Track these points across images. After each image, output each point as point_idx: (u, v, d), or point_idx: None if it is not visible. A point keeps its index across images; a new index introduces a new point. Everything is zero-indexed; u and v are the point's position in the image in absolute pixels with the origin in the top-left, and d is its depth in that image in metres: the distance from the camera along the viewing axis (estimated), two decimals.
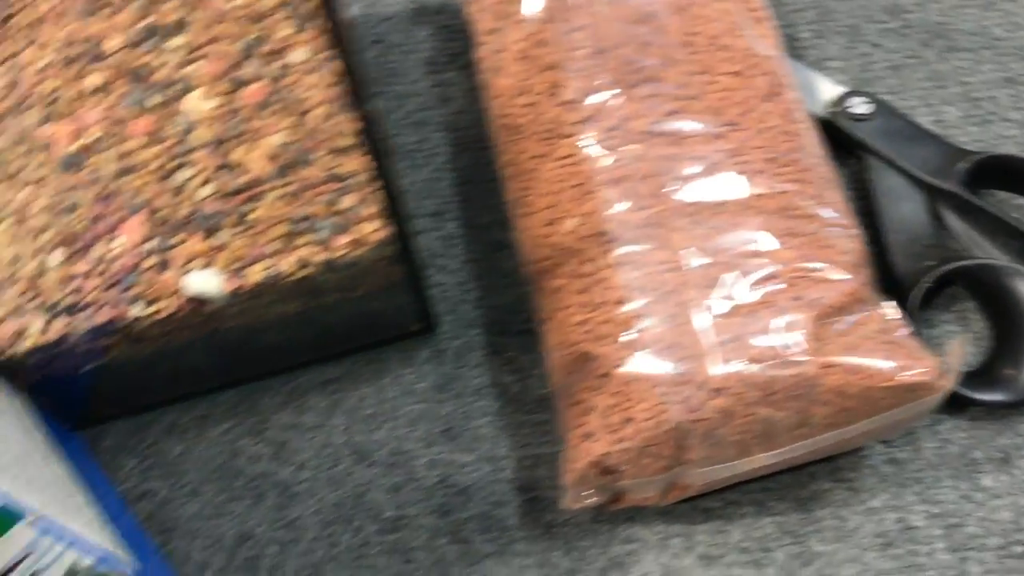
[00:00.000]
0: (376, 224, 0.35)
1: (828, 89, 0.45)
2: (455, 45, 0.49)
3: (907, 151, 0.42)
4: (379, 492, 0.40)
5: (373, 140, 0.31)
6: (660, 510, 0.39)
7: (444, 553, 0.39)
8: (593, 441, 0.34)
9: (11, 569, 0.30)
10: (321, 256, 0.35)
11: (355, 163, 0.36)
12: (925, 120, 0.45)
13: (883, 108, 0.44)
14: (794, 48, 0.47)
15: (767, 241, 0.34)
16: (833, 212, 0.36)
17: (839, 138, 0.44)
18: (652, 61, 0.38)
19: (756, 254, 0.34)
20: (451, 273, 0.43)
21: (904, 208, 0.41)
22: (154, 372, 0.40)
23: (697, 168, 0.36)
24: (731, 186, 0.35)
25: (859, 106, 0.44)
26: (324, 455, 0.40)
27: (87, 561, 0.33)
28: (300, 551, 0.39)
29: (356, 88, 0.28)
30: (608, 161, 0.36)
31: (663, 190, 0.35)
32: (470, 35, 0.44)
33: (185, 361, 0.40)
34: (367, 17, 0.50)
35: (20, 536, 0.30)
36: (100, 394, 0.40)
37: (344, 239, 0.35)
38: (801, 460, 0.36)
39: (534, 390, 0.41)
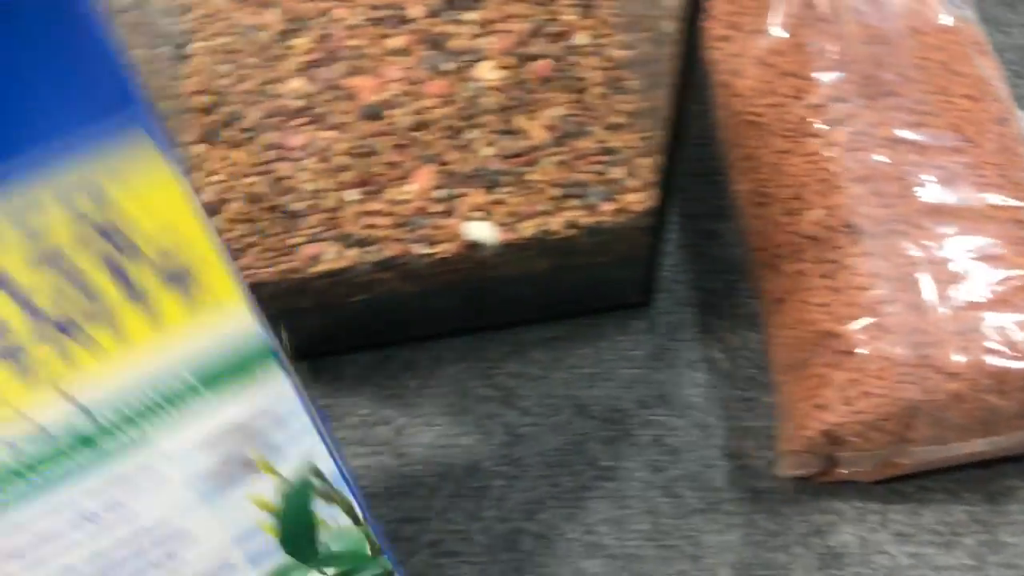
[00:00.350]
0: (640, 196, 0.39)
1: None
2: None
3: None
4: (596, 443, 0.43)
5: (675, 128, 0.35)
6: (858, 488, 0.42)
7: (656, 504, 0.42)
8: (828, 412, 0.37)
9: (257, 419, 0.24)
10: (587, 219, 0.39)
11: (625, 138, 0.40)
12: None
13: None
14: None
15: (1002, 247, 0.38)
16: None
17: None
18: (891, 77, 0.42)
19: (992, 257, 0.38)
20: (666, 256, 0.47)
21: None
22: (401, 311, 0.44)
23: (938, 175, 0.39)
24: (969, 195, 0.39)
25: None
26: (546, 404, 0.44)
27: (329, 465, 0.26)
28: (523, 487, 0.43)
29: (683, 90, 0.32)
30: (855, 161, 0.40)
31: (907, 191, 0.39)
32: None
33: (429, 304, 0.43)
34: None
35: (275, 386, 0.24)
36: (348, 327, 0.44)
37: (610, 206, 0.39)
38: (1004, 453, 0.39)
39: (743, 368, 0.44)
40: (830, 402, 0.37)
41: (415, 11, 0.41)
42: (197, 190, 0.38)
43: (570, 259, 0.41)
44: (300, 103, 0.40)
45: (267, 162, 0.39)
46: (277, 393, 0.24)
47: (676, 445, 0.43)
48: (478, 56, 0.41)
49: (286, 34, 0.41)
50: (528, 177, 0.40)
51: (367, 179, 0.39)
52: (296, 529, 0.27)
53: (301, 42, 0.41)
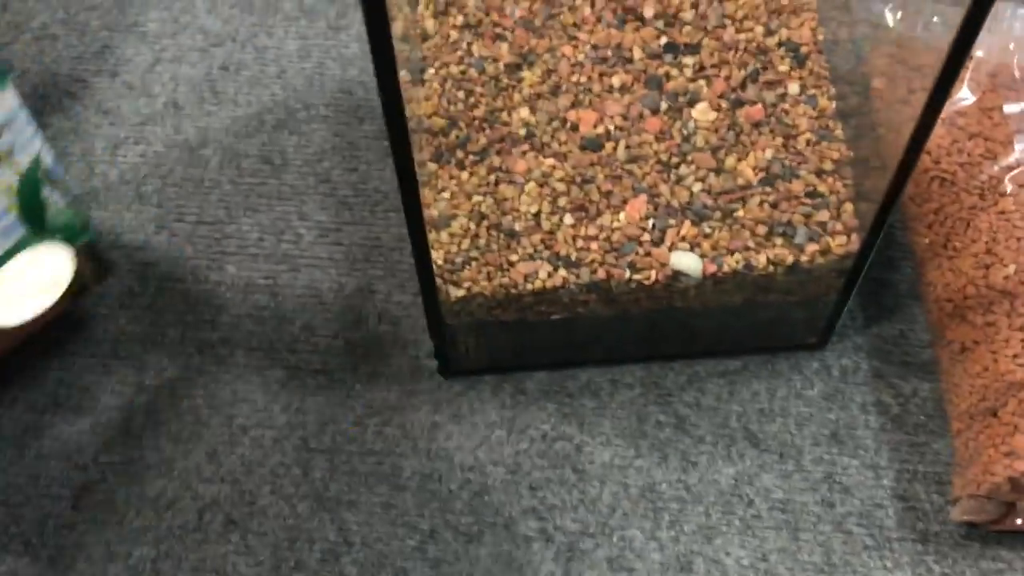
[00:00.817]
0: (843, 239, 0.41)
1: None
2: None
3: None
4: (770, 475, 0.45)
5: (898, 178, 0.37)
6: (1021, 538, 0.43)
7: (828, 539, 0.44)
8: (1018, 459, 0.39)
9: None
10: (790, 258, 0.41)
11: (831, 184, 0.42)
12: None
13: None
14: None
15: None
16: None
17: None
18: None
19: None
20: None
21: None
22: (589, 334, 0.46)
23: None
24: None
25: None
26: (721, 434, 0.46)
27: (48, 160, 0.41)
28: (698, 511, 0.44)
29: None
30: None
31: None
32: None
33: (616, 329, 0.46)
34: None
35: (4, 100, 0.38)
36: (538, 344, 0.46)
37: (813, 247, 0.41)
38: None
39: (914, 415, 0.46)
40: (1020, 450, 0.39)
41: (636, 53, 0.44)
42: (426, 205, 0.41)
43: (764, 295, 0.43)
44: (525, 131, 0.43)
45: (491, 184, 0.42)
46: (10, 107, 0.38)
47: (847, 484, 0.45)
48: (694, 98, 0.43)
49: (515, 67, 0.43)
50: (736, 214, 0.42)
51: (583, 205, 0.42)
52: (31, 207, 0.41)
53: (529, 75, 0.43)
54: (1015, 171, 0.43)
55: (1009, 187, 0.43)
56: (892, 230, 0.50)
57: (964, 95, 0.47)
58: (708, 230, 0.41)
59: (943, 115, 0.47)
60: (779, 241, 0.41)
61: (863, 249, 0.41)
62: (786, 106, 0.43)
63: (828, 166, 0.42)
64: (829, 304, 0.44)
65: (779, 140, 0.42)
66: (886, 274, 0.49)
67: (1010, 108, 0.45)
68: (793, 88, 0.43)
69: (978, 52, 0.48)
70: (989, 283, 0.42)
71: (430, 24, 0.44)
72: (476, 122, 0.43)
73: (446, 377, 0.47)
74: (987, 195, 0.43)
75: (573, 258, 0.41)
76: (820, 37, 0.44)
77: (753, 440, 0.46)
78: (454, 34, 0.44)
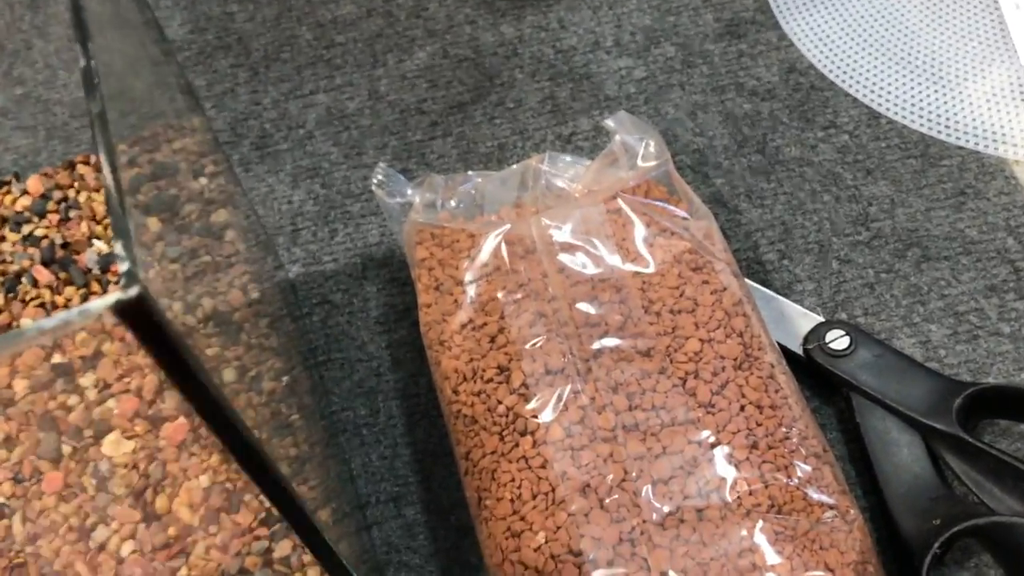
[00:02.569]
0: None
1: (801, 320, 0.42)
2: (404, 300, 0.46)
3: (896, 387, 0.39)
4: None
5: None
6: None
7: None
8: None
9: None
10: None
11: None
12: (908, 343, 0.42)
13: (862, 339, 0.41)
14: (761, 273, 0.44)
15: (759, 551, 0.31)
16: (829, 496, 0.33)
17: (821, 374, 0.40)
18: (613, 336, 0.36)
19: (748, 569, 0.30)
20: (415, 570, 0.39)
21: (901, 455, 0.38)
22: None
23: (673, 466, 0.32)
24: (713, 484, 0.32)
25: (836, 340, 0.41)
26: None
27: None
28: None
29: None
30: (574, 464, 0.33)
31: (638, 497, 0.32)
32: (416, 294, 0.42)
33: None
34: (309, 276, 0.47)
35: None
36: None
37: None
38: None
39: None
40: None
41: (17, 386, 0.34)
42: None
43: None
44: None
45: None
46: None
47: None
48: (101, 427, 0.33)
49: None
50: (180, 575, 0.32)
51: None
52: None
53: None
54: (527, 395, 0.35)
55: (526, 420, 0.34)
56: None
57: (473, 289, 0.39)
58: None
59: (459, 319, 0.39)
60: None
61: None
62: None
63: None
64: None
65: (215, 457, 0.33)
66: (468, 519, 0.40)
67: (512, 303, 0.37)
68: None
69: (488, 230, 0.40)
70: (522, 558, 0.33)
71: None
72: None
73: None
74: (506, 435, 0.35)
75: None
76: None
77: None
78: None
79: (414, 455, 0.42)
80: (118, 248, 0.19)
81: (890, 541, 0.37)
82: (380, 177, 0.44)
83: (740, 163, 0.48)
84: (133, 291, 0.19)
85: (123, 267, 0.19)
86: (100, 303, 0.18)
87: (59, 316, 0.18)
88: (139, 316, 0.19)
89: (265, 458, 0.23)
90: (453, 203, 0.43)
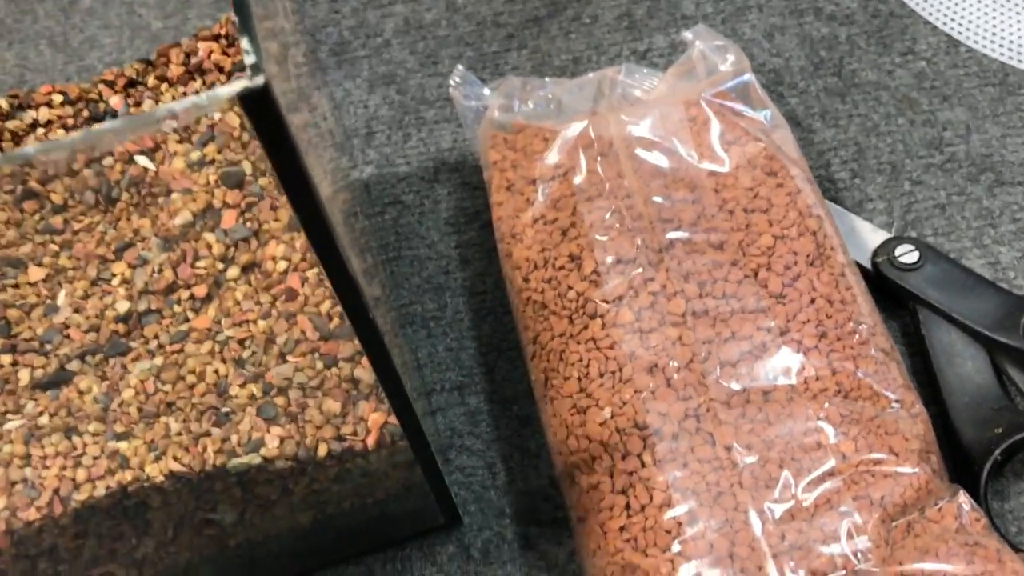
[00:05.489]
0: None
1: (871, 235, 0.42)
2: (475, 203, 0.47)
3: (962, 302, 0.39)
4: None
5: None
6: None
7: None
8: None
9: None
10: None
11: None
12: (978, 263, 0.42)
13: (931, 254, 0.41)
14: (832, 191, 0.44)
15: (824, 431, 0.31)
16: (894, 391, 0.33)
17: (888, 288, 0.41)
18: (686, 229, 0.36)
19: (813, 447, 0.31)
20: (476, 454, 0.40)
21: (965, 367, 0.38)
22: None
23: (741, 352, 0.33)
24: (780, 369, 0.32)
25: (905, 254, 0.41)
26: None
27: None
28: None
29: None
30: (643, 345, 0.33)
31: (706, 377, 0.32)
32: (486, 190, 0.42)
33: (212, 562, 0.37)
34: (382, 177, 0.48)
35: None
36: None
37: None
38: None
39: None
40: None
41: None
42: None
43: (331, 507, 0.35)
44: None
45: None
46: None
47: None
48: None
49: None
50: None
51: None
52: None
53: None
54: (599, 282, 0.35)
55: (596, 305, 0.35)
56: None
57: (550, 187, 0.39)
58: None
59: (532, 213, 0.39)
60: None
61: (410, 432, 0.32)
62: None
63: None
64: (424, 489, 0.36)
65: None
66: (530, 408, 0.41)
67: (589, 199, 0.37)
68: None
69: (565, 131, 0.40)
70: (588, 433, 0.34)
71: None
72: None
73: None
74: (576, 318, 0.35)
75: None
76: None
77: None
78: None
79: (479, 348, 0.43)
80: (245, 44, 0.20)
81: (950, 450, 0.37)
82: (457, 79, 0.45)
83: (815, 84, 0.48)
84: (259, 80, 0.19)
85: (249, 60, 0.20)
86: (228, 89, 0.19)
87: (189, 100, 0.19)
88: (262, 104, 0.20)
89: (348, 266, 0.24)
90: (529, 106, 0.43)
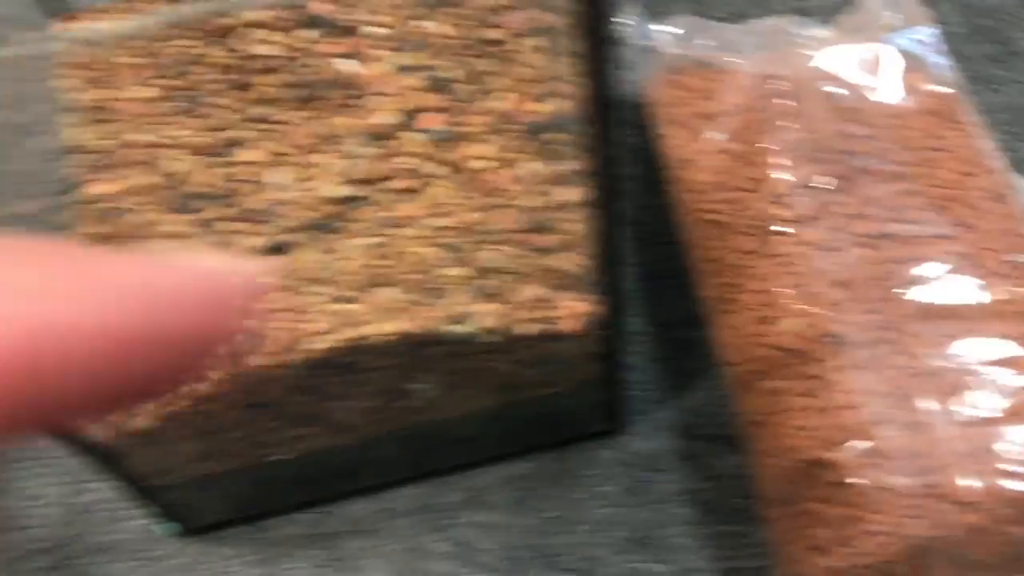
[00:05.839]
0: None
1: None
2: (638, 140, 0.48)
3: None
4: None
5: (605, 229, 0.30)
6: None
7: None
8: (823, 555, 0.32)
9: None
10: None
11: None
12: None
13: None
14: None
15: (1010, 349, 0.32)
16: None
17: None
18: (867, 162, 0.37)
19: (999, 362, 0.32)
20: (639, 372, 0.42)
21: None
22: (335, 463, 0.39)
23: (928, 272, 0.34)
24: (967, 290, 0.34)
25: None
26: (510, 557, 0.39)
27: None
28: None
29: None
30: (832, 262, 0.35)
31: (893, 293, 0.34)
32: (647, 127, 0.44)
33: (370, 453, 0.38)
34: None
35: None
36: (281, 480, 0.39)
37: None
38: None
39: (730, 499, 0.39)
40: (825, 543, 0.32)
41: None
42: None
43: (517, 393, 0.36)
44: None
45: None
46: None
47: None
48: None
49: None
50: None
51: None
52: None
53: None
54: (787, 204, 0.37)
55: (782, 224, 0.36)
56: (690, 280, 0.43)
57: (731, 115, 0.41)
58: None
59: (708, 141, 0.41)
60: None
61: (609, 316, 0.34)
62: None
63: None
64: (603, 385, 0.38)
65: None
66: (690, 332, 0.42)
67: (773, 126, 0.39)
68: None
69: (744, 68, 0.42)
70: (771, 341, 0.35)
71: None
72: None
73: (185, 536, 0.40)
74: (759, 235, 0.37)
75: None
76: None
77: (548, 559, 0.39)
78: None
79: (641, 275, 0.44)
80: None
81: None
82: (628, 19, 0.46)
83: (975, 51, 0.49)
84: None
85: None
86: None
87: None
88: None
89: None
90: (700, 44, 0.45)
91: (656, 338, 0.43)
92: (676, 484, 0.39)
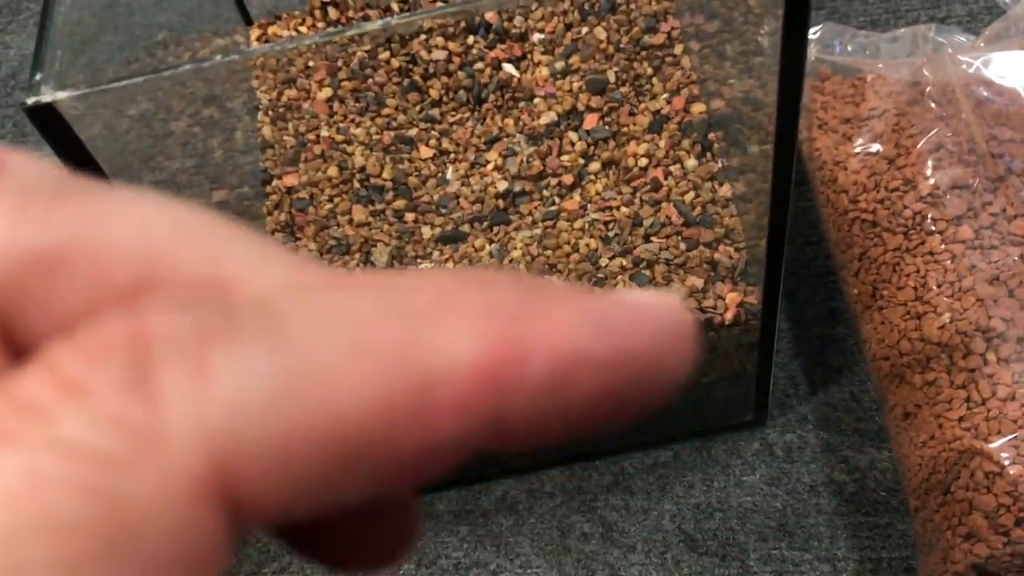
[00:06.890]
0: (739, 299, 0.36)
1: None
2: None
3: None
4: None
5: (776, 229, 0.31)
6: None
7: None
8: (978, 543, 0.33)
9: None
10: None
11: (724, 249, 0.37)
12: None
13: None
14: None
15: None
16: None
17: None
18: (1019, 162, 0.38)
19: None
20: (779, 368, 0.43)
21: None
22: None
23: None
24: None
25: None
26: (653, 540, 0.40)
27: None
28: None
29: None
30: (985, 260, 0.36)
31: None
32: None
33: None
34: None
35: None
36: None
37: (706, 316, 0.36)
38: None
39: (872, 491, 0.40)
40: (980, 531, 0.33)
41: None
42: None
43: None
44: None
45: None
46: None
47: None
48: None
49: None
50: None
51: None
52: None
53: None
54: (938, 203, 0.38)
55: (934, 223, 0.37)
56: (831, 278, 0.44)
57: (881, 119, 0.42)
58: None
59: (859, 144, 0.42)
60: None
61: (767, 311, 0.35)
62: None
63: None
64: (752, 377, 0.39)
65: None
66: (830, 329, 0.44)
67: (923, 129, 0.40)
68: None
69: (890, 72, 0.43)
70: (924, 336, 0.36)
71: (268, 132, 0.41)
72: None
73: None
74: (912, 234, 0.38)
75: None
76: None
77: (690, 542, 0.40)
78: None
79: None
80: None
81: None
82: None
83: None
84: None
85: None
86: None
87: None
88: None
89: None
90: (848, 49, 0.46)
91: (798, 335, 0.44)
92: (817, 475, 0.41)
